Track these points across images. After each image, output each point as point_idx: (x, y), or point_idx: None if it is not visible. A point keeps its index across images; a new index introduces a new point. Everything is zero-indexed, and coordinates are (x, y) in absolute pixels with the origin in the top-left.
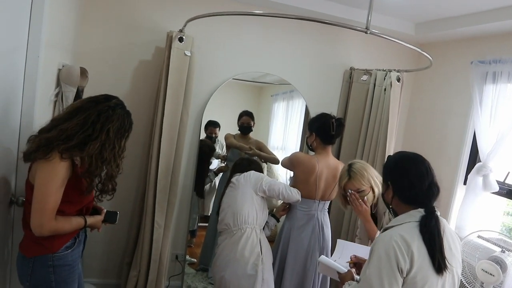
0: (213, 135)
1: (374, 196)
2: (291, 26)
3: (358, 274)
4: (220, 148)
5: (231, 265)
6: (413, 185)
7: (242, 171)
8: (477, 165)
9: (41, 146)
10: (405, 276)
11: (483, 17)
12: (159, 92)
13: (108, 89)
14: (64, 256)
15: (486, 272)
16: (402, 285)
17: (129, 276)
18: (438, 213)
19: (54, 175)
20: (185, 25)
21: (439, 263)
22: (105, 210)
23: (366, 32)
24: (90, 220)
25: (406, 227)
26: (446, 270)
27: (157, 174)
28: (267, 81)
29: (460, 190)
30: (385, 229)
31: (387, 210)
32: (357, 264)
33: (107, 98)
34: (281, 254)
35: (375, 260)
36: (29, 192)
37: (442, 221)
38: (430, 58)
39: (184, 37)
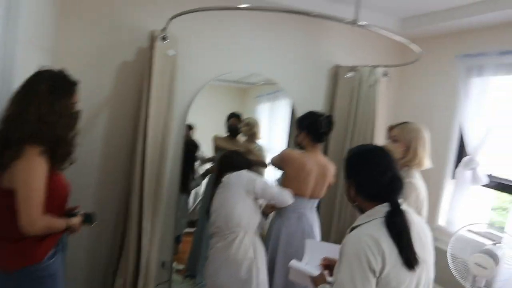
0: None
1: (401, 153)
2: (276, 25)
3: (330, 275)
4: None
5: (224, 269)
6: (374, 180)
7: (232, 167)
8: (465, 158)
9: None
10: (378, 275)
11: (467, 11)
12: (142, 94)
13: (89, 91)
14: (48, 266)
15: (479, 265)
16: (376, 286)
17: (115, 285)
18: (404, 206)
19: (34, 169)
20: (168, 23)
21: (408, 259)
22: (82, 212)
23: (354, 24)
24: (72, 221)
25: (373, 225)
26: (417, 265)
27: (142, 178)
28: (251, 82)
29: (449, 185)
30: (352, 229)
31: None
32: (329, 266)
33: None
34: (271, 253)
35: (345, 264)
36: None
37: (409, 213)
38: (419, 49)
39: (167, 36)
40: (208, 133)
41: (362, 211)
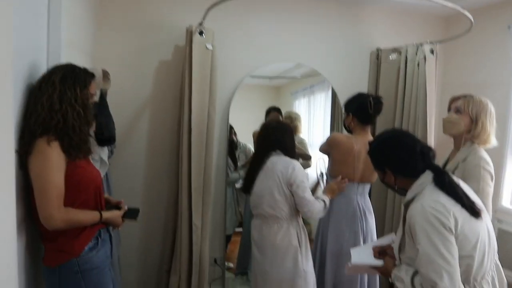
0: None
1: (465, 126)
2: (313, 12)
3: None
4: (243, 152)
5: (270, 257)
6: (408, 159)
7: (276, 142)
8: None
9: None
10: (454, 232)
11: None
12: (183, 90)
13: (130, 92)
14: (90, 259)
15: None
16: (456, 242)
17: (170, 283)
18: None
19: (47, 161)
20: (205, 16)
21: (472, 208)
22: (126, 207)
23: None
24: (106, 214)
25: (428, 192)
26: (482, 212)
27: (190, 174)
28: (287, 76)
29: (510, 163)
30: (407, 205)
31: None
32: (381, 252)
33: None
34: (321, 243)
35: (420, 235)
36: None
37: (451, 174)
38: (471, 18)
39: (204, 30)
40: (245, 133)
41: (405, 190)
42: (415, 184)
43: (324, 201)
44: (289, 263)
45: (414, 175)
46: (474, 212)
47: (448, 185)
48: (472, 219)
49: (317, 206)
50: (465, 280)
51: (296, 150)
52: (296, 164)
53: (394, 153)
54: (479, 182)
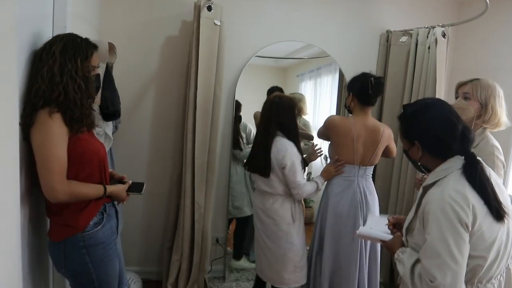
0: None
1: (474, 112)
2: None
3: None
4: (243, 130)
5: (266, 226)
6: (445, 135)
7: (270, 121)
8: None
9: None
10: (470, 229)
11: None
12: (189, 67)
13: (136, 67)
14: (95, 234)
15: None
16: (470, 240)
17: (171, 261)
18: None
19: (49, 133)
20: None
21: (497, 209)
22: (130, 181)
23: None
24: (111, 188)
25: (453, 179)
26: (506, 215)
27: (194, 151)
28: (295, 57)
29: None
30: (426, 188)
31: None
32: (396, 224)
33: None
34: (321, 226)
35: (433, 224)
36: None
37: (484, 165)
38: (487, 0)
39: (212, 5)
40: (248, 114)
41: (428, 169)
42: (440, 168)
43: (317, 182)
44: (281, 233)
45: (444, 156)
46: (499, 215)
47: (478, 177)
48: (493, 220)
49: (307, 188)
50: (469, 280)
51: (299, 130)
52: (289, 147)
53: (431, 126)
54: (493, 171)
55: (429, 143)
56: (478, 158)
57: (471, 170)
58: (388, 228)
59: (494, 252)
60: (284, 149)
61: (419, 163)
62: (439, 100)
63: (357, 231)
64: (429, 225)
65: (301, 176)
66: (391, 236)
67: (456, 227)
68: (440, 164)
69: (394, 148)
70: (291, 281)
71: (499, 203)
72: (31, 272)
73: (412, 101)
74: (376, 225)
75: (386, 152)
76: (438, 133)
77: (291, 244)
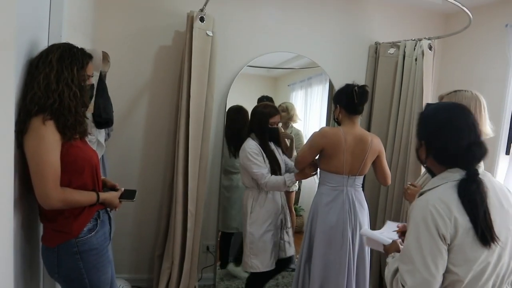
0: None
1: None
2: (312, 4)
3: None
4: None
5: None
6: (450, 143)
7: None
8: None
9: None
10: (450, 243)
11: None
12: (182, 76)
13: (129, 76)
14: (88, 240)
15: None
16: (449, 254)
17: (162, 269)
18: (482, 170)
19: (42, 140)
20: (206, 2)
21: (483, 234)
22: (122, 188)
23: None
24: (104, 195)
25: (443, 188)
26: (494, 243)
27: (187, 160)
28: (285, 67)
29: (503, 160)
30: (421, 194)
31: None
32: (404, 232)
33: None
34: (310, 232)
35: (412, 229)
36: None
37: (489, 179)
38: (470, 14)
39: (204, 16)
40: None
41: (433, 174)
42: (439, 176)
43: (284, 178)
44: (244, 221)
45: (447, 164)
46: (483, 238)
47: (470, 195)
48: (477, 242)
49: (271, 180)
50: None
51: (281, 133)
52: (246, 143)
53: (438, 131)
54: None
55: (434, 147)
56: (481, 177)
57: (466, 186)
58: (397, 234)
59: (476, 272)
60: (243, 146)
61: (425, 165)
62: (461, 107)
63: (360, 231)
64: (408, 231)
65: (257, 168)
66: (390, 241)
67: (433, 237)
68: (442, 171)
69: (386, 169)
70: (246, 265)
71: (489, 227)
72: (23, 277)
73: (399, 112)
74: (387, 231)
75: (379, 173)
76: (443, 140)
77: (247, 232)
